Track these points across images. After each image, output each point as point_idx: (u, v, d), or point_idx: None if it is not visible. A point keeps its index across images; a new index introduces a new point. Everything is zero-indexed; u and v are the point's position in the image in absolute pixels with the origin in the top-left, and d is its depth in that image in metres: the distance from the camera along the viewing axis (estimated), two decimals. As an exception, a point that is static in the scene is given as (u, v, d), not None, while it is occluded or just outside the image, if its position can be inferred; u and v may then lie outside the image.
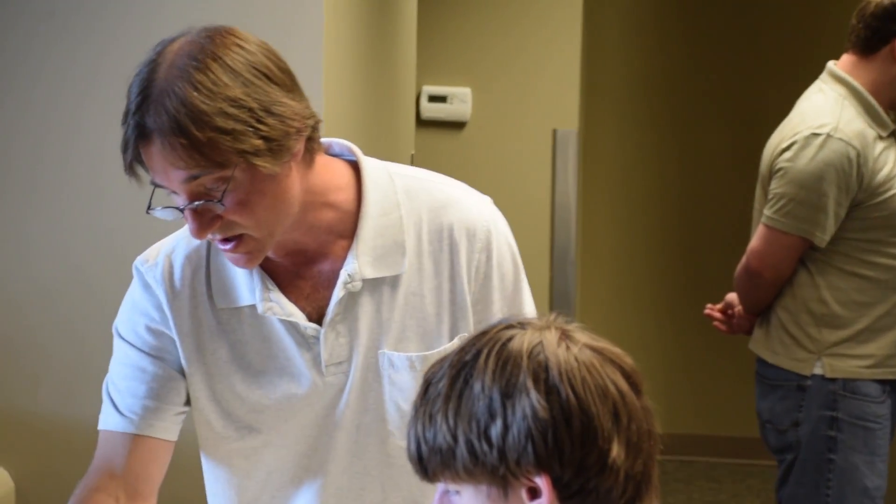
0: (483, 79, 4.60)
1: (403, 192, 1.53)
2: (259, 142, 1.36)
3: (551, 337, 1.14)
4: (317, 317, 1.51)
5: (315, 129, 1.44)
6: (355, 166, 1.53)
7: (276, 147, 1.37)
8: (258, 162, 1.36)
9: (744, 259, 2.74)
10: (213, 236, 1.42)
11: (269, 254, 1.48)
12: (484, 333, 1.17)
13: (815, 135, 2.60)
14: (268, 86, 1.37)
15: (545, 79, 4.60)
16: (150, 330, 1.54)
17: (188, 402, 1.56)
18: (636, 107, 5.50)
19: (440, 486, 1.17)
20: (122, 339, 1.56)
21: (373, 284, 1.51)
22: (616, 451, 1.11)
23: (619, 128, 5.48)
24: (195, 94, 1.34)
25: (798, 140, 2.61)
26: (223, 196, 1.37)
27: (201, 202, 1.38)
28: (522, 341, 1.14)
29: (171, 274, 1.53)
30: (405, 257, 1.52)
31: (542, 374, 1.11)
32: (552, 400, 1.11)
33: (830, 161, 2.58)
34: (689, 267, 5.53)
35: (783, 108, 4.74)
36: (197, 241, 1.52)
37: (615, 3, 5.42)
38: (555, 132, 4.62)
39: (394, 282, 1.52)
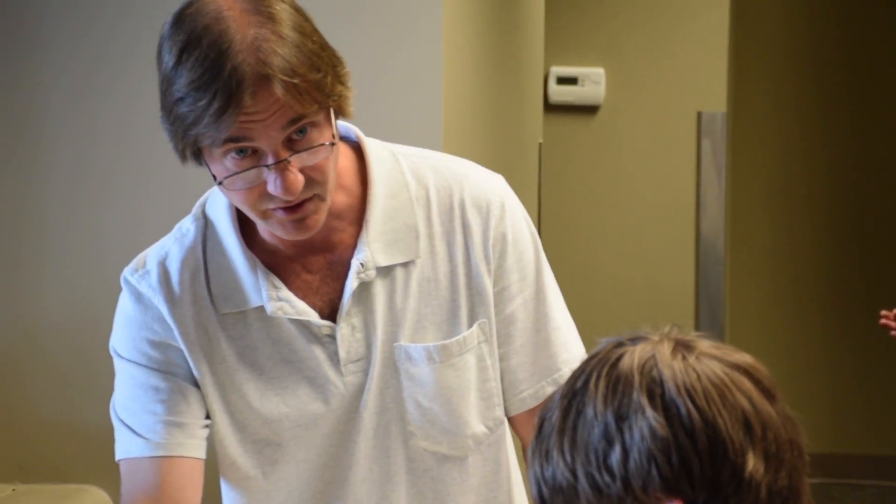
0: (618, 58, 4.58)
1: (410, 172, 1.55)
2: (342, 87, 1.43)
3: (665, 349, 1.13)
4: (329, 312, 1.52)
5: None
6: (356, 148, 1.55)
7: (348, 95, 1.44)
8: (347, 107, 1.43)
9: None
10: (283, 204, 1.41)
11: (276, 244, 1.50)
12: (592, 356, 1.16)
13: None
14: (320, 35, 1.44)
15: (688, 55, 4.57)
16: (152, 343, 1.54)
17: (209, 415, 1.56)
18: (795, 84, 5.41)
19: None
20: (124, 358, 1.56)
21: (385, 272, 1.52)
22: (752, 464, 1.09)
23: (775, 109, 5.40)
24: (293, 34, 1.38)
25: None
26: (333, 137, 1.41)
27: (310, 148, 1.39)
28: (633, 358, 1.13)
29: (167, 280, 1.53)
30: (419, 241, 1.53)
31: (657, 389, 1.11)
32: (671, 416, 1.10)
33: None
34: (860, 267, 5.43)
35: None
36: (190, 243, 1.54)
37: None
38: (699, 115, 4.59)
39: (406, 268, 1.53)
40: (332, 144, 1.40)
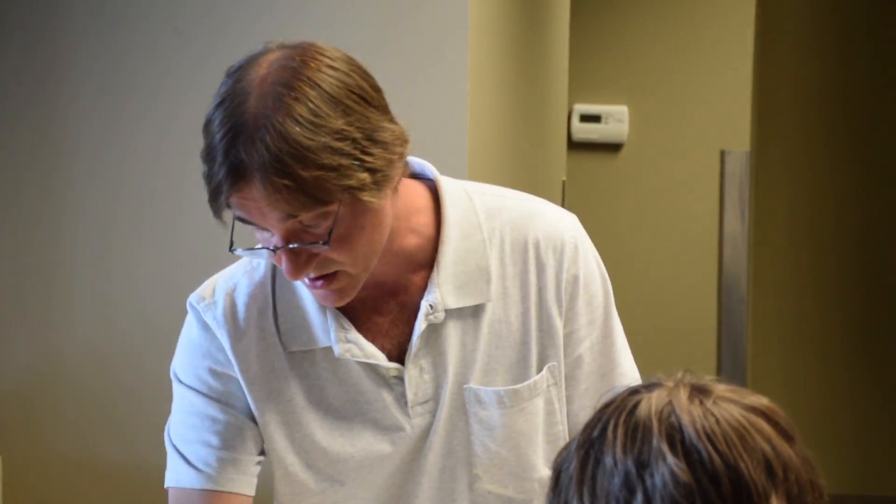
0: (641, 95, 4.59)
1: (484, 212, 1.54)
2: (365, 175, 1.36)
3: (681, 395, 1.13)
4: (397, 354, 1.52)
5: (406, 150, 1.45)
6: (431, 186, 1.54)
7: (381, 178, 1.38)
8: (365, 197, 1.37)
9: None
10: (306, 278, 1.42)
11: None
12: (608, 405, 1.15)
13: None
14: (367, 111, 1.38)
15: (712, 94, 4.57)
16: (214, 373, 1.53)
17: (262, 452, 1.56)
18: (817, 125, 5.41)
19: None
20: (184, 384, 1.55)
21: (455, 314, 1.52)
22: None
23: (798, 149, 5.39)
24: (297, 128, 1.33)
25: None
26: (329, 235, 1.37)
27: (302, 244, 1.37)
28: (650, 404, 1.12)
29: (233, 314, 1.53)
30: (490, 284, 1.52)
31: (676, 435, 1.10)
32: (693, 462, 1.09)
33: None
34: (888, 309, 5.43)
35: None
36: (260, 278, 1.53)
37: (792, 6, 5.37)
38: (723, 154, 4.60)
39: (477, 310, 1.53)
40: (325, 244, 1.37)
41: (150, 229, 2.26)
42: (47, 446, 2.24)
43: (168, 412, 2.14)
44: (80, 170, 2.26)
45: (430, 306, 1.50)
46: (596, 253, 1.59)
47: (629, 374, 1.56)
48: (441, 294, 1.50)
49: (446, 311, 1.51)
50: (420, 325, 1.50)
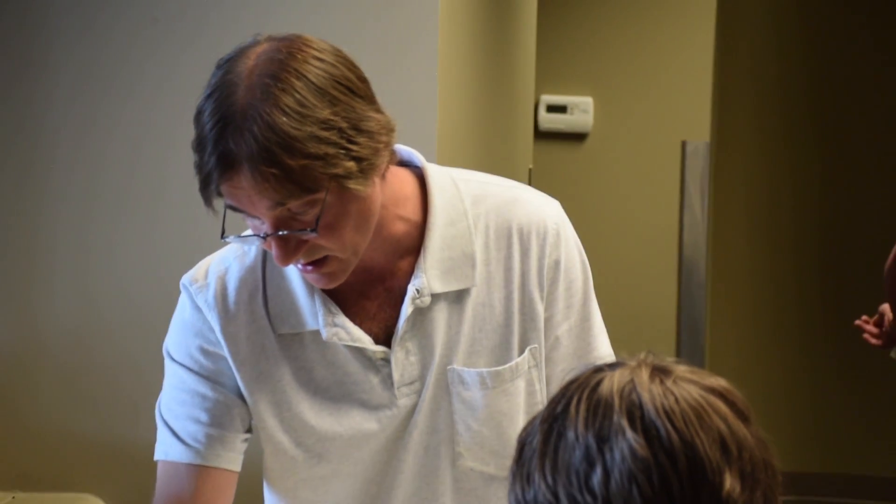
0: (606, 87, 4.58)
1: (469, 199, 1.54)
2: (351, 163, 1.36)
3: (643, 374, 1.14)
4: (384, 337, 1.52)
5: (392, 139, 1.44)
6: (418, 174, 1.54)
7: (367, 166, 1.37)
8: (351, 185, 1.36)
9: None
10: (297, 263, 1.42)
11: None
12: (572, 382, 1.16)
13: None
14: (353, 100, 1.37)
15: (673, 86, 4.58)
16: (205, 352, 1.54)
17: (250, 430, 1.56)
18: (775, 117, 5.42)
19: None
20: (176, 361, 1.56)
21: (441, 298, 1.52)
22: (729, 483, 1.10)
23: (756, 139, 5.41)
24: (284, 118, 1.32)
25: None
26: (317, 222, 1.37)
27: (290, 231, 1.37)
28: (612, 382, 1.14)
29: (224, 297, 1.53)
30: (475, 269, 1.52)
31: (636, 412, 1.11)
32: (651, 438, 1.10)
33: None
34: (840, 294, 5.43)
35: None
36: (251, 263, 1.52)
37: (757, 8, 5.38)
38: (684, 144, 4.60)
39: (462, 294, 1.53)
40: (314, 231, 1.37)
41: (130, 214, 2.25)
42: (26, 422, 2.24)
43: (144, 390, 2.16)
44: (60, 154, 2.25)
45: (417, 291, 1.50)
46: (577, 239, 1.59)
47: (605, 357, 1.57)
48: (427, 279, 1.50)
49: (432, 295, 1.50)
50: (407, 308, 1.50)
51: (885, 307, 2.87)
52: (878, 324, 2.90)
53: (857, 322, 2.93)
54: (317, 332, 1.50)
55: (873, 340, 2.91)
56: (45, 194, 2.26)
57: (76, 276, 2.26)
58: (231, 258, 1.54)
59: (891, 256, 2.75)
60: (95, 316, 2.25)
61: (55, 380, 2.25)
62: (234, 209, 1.38)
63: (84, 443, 2.25)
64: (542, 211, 1.56)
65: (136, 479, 2.17)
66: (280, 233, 1.37)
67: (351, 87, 1.38)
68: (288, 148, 1.32)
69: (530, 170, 3.65)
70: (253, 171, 1.33)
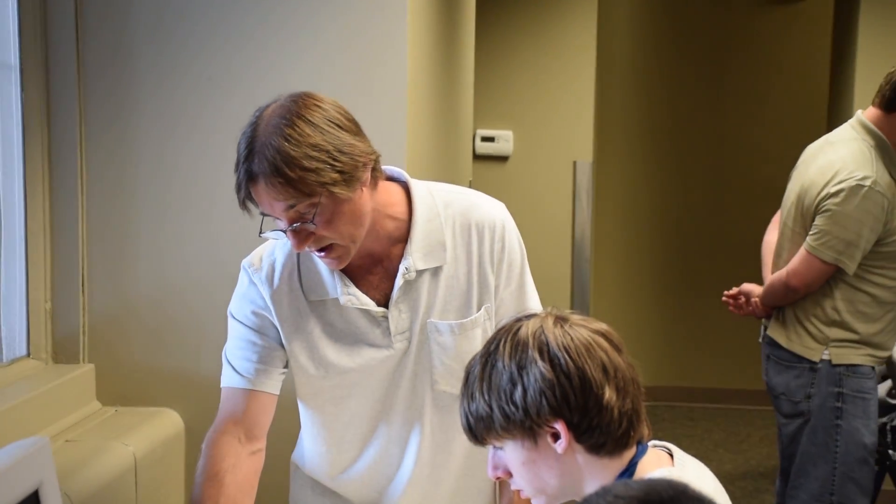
0: (521, 123, 4.57)
1: (441, 203, 1.51)
2: (336, 175, 1.33)
3: (549, 322, 1.15)
4: (383, 301, 1.50)
5: (377, 162, 1.42)
6: (405, 186, 1.52)
7: (348, 178, 1.35)
8: (336, 190, 1.34)
9: (784, 276, 2.64)
10: (310, 248, 1.40)
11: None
12: (501, 328, 1.18)
13: (860, 185, 2.47)
14: (339, 132, 1.35)
15: (567, 121, 4.57)
16: (255, 314, 1.52)
17: (286, 367, 1.54)
18: (637, 141, 5.48)
19: (490, 448, 1.18)
20: (236, 319, 1.54)
21: (423, 273, 1.49)
22: (608, 394, 1.11)
23: (623, 158, 5.46)
24: (286, 144, 1.31)
25: (845, 189, 2.50)
26: (314, 218, 1.35)
27: (298, 224, 1.36)
28: (528, 328, 1.15)
29: (271, 276, 1.51)
30: (446, 252, 1.50)
31: (544, 348, 1.13)
32: (555, 365, 1.12)
33: (870, 210, 2.48)
34: (680, 265, 5.52)
35: (749, 142, 4.54)
36: (289, 250, 1.50)
37: (621, 61, 5.38)
38: (575, 163, 4.59)
39: (437, 270, 1.50)
40: (314, 224, 1.35)
41: (193, 215, 2.24)
42: (123, 359, 2.22)
43: (204, 338, 2.16)
44: (143, 172, 2.23)
45: (406, 268, 1.48)
46: (517, 231, 1.57)
47: (535, 310, 1.56)
48: (413, 260, 1.48)
49: (417, 271, 1.49)
50: (399, 281, 1.49)
51: (745, 287, 2.82)
52: (736, 297, 2.84)
53: (724, 298, 2.86)
54: (336, 299, 1.50)
55: (734, 310, 2.85)
56: (133, 200, 2.23)
57: (155, 258, 2.23)
58: (277, 249, 1.53)
59: (778, 280, 2.66)
60: (169, 287, 2.22)
61: (142, 331, 2.23)
62: (265, 214, 1.38)
63: (163, 373, 2.23)
64: (493, 212, 1.55)
65: (199, 398, 2.18)
66: (293, 226, 1.37)
67: (339, 124, 1.36)
68: (288, 163, 1.31)
69: (470, 182, 3.64)
70: (266, 183, 1.33)
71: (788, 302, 2.65)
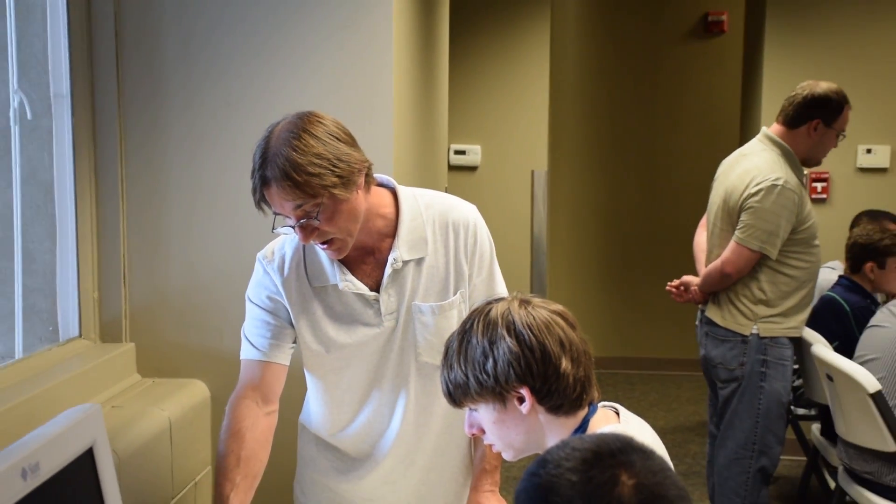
0: (488, 138, 4.56)
1: (423, 206, 1.51)
2: (336, 179, 1.33)
3: (515, 305, 1.16)
4: (375, 286, 1.49)
5: (370, 169, 1.41)
6: (393, 191, 1.51)
7: (346, 181, 1.35)
8: (336, 192, 1.34)
9: (718, 265, 2.69)
10: (314, 241, 1.40)
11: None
12: (475, 310, 1.19)
13: (775, 185, 2.56)
14: (338, 144, 1.35)
15: (526, 136, 4.56)
16: (269, 298, 1.52)
17: (295, 342, 1.53)
18: (585, 152, 5.49)
19: (467, 410, 1.19)
20: (252, 302, 1.54)
21: (409, 263, 1.49)
22: (565, 364, 1.12)
23: (575, 166, 5.48)
24: (294, 153, 1.31)
25: (763, 188, 2.57)
26: (317, 215, 1.36)
27: (305, 221, 1.36)
28: (497, 309, 1.16)
29: (282, 267, 1.50)
30: (427, 246, 1.49)
31: (511, 326, 1.14)
32: (520, 340, 1.13)
33: (784, 204, 2.57)
34: (619, 254, 5.55)
35: (676, 152, 4.51)
36: (296, 244, 1.50)
37: (571, 85, 5.40)
38: (533, 172, 4.58)
39: (420, 260, 1.49)
40: (318, 221, 1.35)
41: (217, 214, 2.22)
42: (157, 339, 2.21)
43: (226, 319, 2.15)
44: (174, 177, 2.21)
45: (394, 259, 1.47)
46: (486, 228, 1.56)
47: (502, 296, 1.56)
48: (400, 252, 1.48)
49: (403, 261, 1.48)
50: (388, 270, 1.48)
51: (686, 278, 2.85)
52: (679, 287, 2.87)
53: (668, 287, 2.89)
54: (335, 285, 1.49)
55: (677, 299, 2.89)
56: (166, 205, 2.21)
57: (185, 253, 2.22)
58: (286, 243, 1.53)
59: (715, 269, 2.69)
60: (196, 277, 2.21)
61: (174, 315, 2.22)
62: (277, 213, 1.38)
63: (192, 349, 2.22)
64: (466, 213, 1.54)
65: (222, 370, 2.18)
66: (300, 223, 1.37)
67: (338, 137, 1.36)
68: (295, 169, 1.31)
69: (446, 188, 3.64)
70: (277, 186, 1.32)
71: (723, 287, 2.69)
